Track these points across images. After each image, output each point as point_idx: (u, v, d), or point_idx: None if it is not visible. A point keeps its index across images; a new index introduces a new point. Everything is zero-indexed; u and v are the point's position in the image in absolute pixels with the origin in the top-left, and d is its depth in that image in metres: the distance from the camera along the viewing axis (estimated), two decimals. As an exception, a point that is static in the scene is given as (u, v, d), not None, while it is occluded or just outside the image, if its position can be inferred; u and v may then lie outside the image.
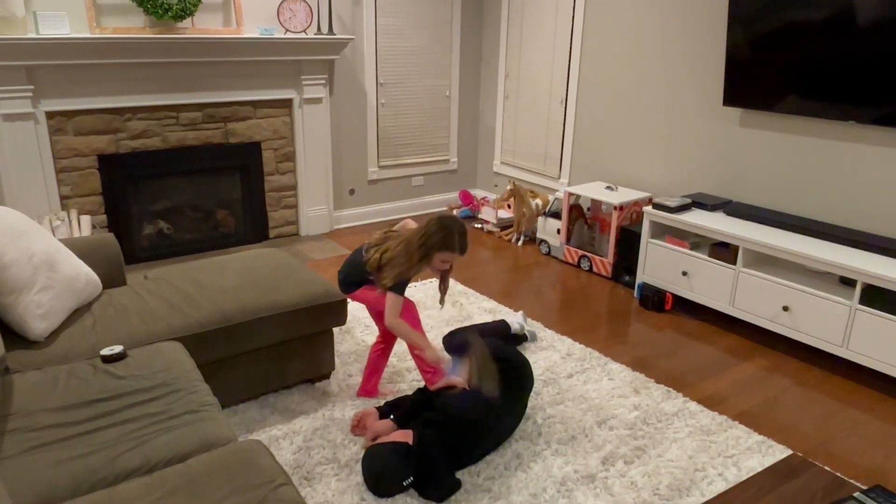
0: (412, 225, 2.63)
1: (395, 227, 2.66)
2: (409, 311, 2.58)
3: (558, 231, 4.46)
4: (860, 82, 3.10)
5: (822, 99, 3.26)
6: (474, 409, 2.40)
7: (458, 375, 2.50)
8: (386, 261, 2.45)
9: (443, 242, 2.41)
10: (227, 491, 1.56)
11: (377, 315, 2.73)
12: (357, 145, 5.00)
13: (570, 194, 4.34)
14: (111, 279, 2.69)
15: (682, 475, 2.35)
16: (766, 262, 3.42)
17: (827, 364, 3.18)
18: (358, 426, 2.55)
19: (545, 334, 3.37)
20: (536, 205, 4.75)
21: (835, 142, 3.34)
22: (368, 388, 2.78)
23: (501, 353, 2.70)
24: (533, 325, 3.44)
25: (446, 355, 2.60)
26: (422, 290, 3.86)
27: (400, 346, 3.15)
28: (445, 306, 3.63)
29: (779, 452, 2.48)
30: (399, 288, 2.45)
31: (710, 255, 3.51)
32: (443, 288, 2.64)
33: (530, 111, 5.07)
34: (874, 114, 3.08)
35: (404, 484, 2.22)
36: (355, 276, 2.61)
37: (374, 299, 2.57)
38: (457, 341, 2.89)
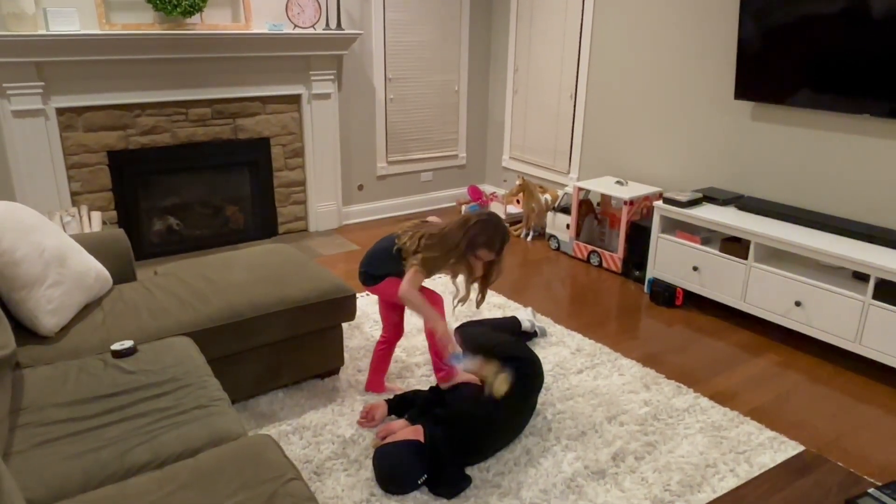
0: (436, 221, 2.61)
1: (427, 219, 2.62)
2: (438, 305, 2.56)
3: (568, 226, 4.44)
4: (875, 75, 3.06)
5: (835, 92, 3.22)
6: (484, 406, 2.39)
7: (466, 367, 2.48)
8: (424, 246, 2.42)
9: (486, 241, 2.39)
10: (236, 485, 1.56)
11: (388, 310, 2.72)
12: (366, 141, 4.99)
13: (580, 189, 4.32)
14: (121, 275, 2.69)
15: (693, 471, 2.34)
16: (778, 256, 3.39)
17: (840, 360, 3.15)
18: (366, 418, 2.55)
19: (555, 330, 3.36)
20: (546, 200, 4.73)
21: (848, 135, 3.30)
22: (375, 383, 2.78)
23: (512, 349, 2.69)
24: (543, 321, 3.43)
25: (456, 345, 2.55)
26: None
27: (408, 342, 3.15)
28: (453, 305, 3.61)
29: (791, 448, 2.46)
30: (427, 269, 2.42)
31: (721, 250, 3.48)
32: (482, 289, 2.58)
33: (539, 106, 5.04)
34: (889, 107, 3.04)
35: (418, 483, 2.21)
36: (380, 269, 2.55)
37: (396, 293, 2.52)
38: (467, 335, 2.88)
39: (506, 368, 2.45)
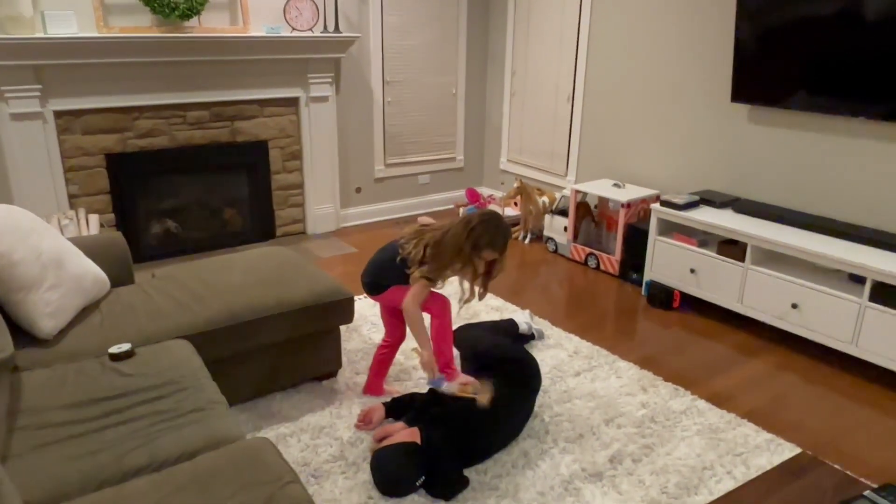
0: (428, 221, 2.61)
1: (422, 223, 2.63)
2: (445, 308, 2.57)
3: (565, 229, 4.45)
4: (870, 78, 3.07)
5: (831, 95, 3.23)
6: (481, 407, 2.40)
7: (447, 390, 2.47)
8: (431, 256, 2.42)
9: (490, 241, 2.40)
10: (234, 488, 1.56)
11: (391, 315, 2.72)
12: (363, 143, 5.00)
13: (577, 192, 4.32)
14: (119, 277, 2.69)
15: (691, 473, 2.34)
16: (775, 259, 3.40)
17: (836, 362, 3.16)
18: (363, 421, 2.55)
19: (552, 332, 3.36)
20: (543, 202, 4.73)
21: (844, 138, 3.31)
22: (374, 386, 2.78)
23: (510, 351, 2.70)
24: (540, 323, 3.43)
25: (437, 371, 2.55)
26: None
27: (406, 345, 3.15)
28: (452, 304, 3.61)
29: (788, 450, 2.47)
30: (432, 280, 2.43)
31: (718, 253, 3.49)
32: (484, 285, 2.58)
33: (537, 108, 5.05)
34: (884, 109, 3.05)
35: (417, 484, 2.21)
36: (385, 279, 2.55)
37: (402, 300, 2.50)
38: (464, 338, 2.89)
39: (485, 381, 2.45)
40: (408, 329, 2.81)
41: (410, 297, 2.43)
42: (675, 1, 3.94)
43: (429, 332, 2.59)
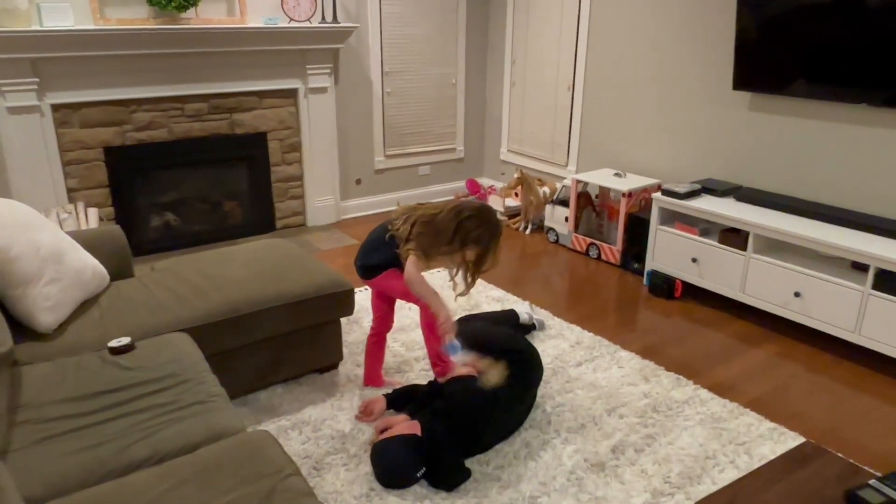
0: None
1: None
2: None
3: (566, 219, 4.44)
4: (872, 64, 3.04)
5: (833, 82, 3.21)
6: (482, 397, 2.39)
7: (460, 359, 2.45)
8: (416, 234, 2.41)
9: (478, 236, 2.40)
10: (235, 481, 1.56)
11: (381, 301, 2.71)
12: (363, 135, 4.97)
13: (578, 182, 4.31)
14: (119, 271, 2.68)
15: (693, 463, 2.34)
16: (777, 247, 3.38)
17: (839, 350, 3.15)
18: (364, 412, 2.55)
19: (554, 323, 3.36)
20: (544, 193, 4.72)
21: (846, 125, 3.29)
22: (373, 376, 2.78)
23: (511, 342, 2.69)
24: (541, 314, 3.42)
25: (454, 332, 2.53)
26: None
27: (407, 336, 3.15)
28: (453, 295, 3.60)
29: (791, 439, 2.46)
30: (424, 257, 2.42)
31: (719, 242, 3.48)
32: (473, 275, 2.57)
33: (537, 98, 5.02)
34: (886, 96, 3.03)
35: (417, 476, 2.21)
36: (375, 258, 2.54)
37: (397, 287, 2.50)
38: (465, 329, 2.88)
39: (500, 362, 2.45)
40: (404, 319, 2.80)
41: (411, 267, 2.39)
42: (675, -12, 3.91)
43: (421, 326, 2.58)
